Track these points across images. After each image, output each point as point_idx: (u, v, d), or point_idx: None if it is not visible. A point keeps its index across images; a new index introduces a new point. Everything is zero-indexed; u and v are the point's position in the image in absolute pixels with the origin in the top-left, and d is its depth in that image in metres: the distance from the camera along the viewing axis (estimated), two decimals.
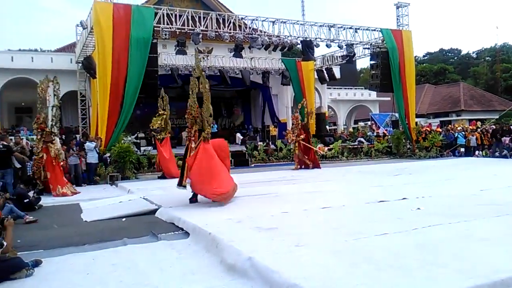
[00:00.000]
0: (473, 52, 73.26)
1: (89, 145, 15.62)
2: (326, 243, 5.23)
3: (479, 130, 24.29)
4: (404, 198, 8.58)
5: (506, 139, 21.48)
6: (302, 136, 16.94)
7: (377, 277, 3.97)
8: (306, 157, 17.17)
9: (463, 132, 24.35)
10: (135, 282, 4.64)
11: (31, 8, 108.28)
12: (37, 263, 5.21)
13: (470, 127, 26.30)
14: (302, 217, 7.11)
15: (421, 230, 5.79)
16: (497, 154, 21.06)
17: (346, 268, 4.24)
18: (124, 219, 8.38)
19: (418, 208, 7.34)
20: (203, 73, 9.23)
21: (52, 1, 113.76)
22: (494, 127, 23.81)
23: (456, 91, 46.24)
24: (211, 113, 8.93)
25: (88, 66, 19.93)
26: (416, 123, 25.04)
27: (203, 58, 24.32)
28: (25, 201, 9.99)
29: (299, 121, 17.18)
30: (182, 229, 6.94)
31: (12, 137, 15.94)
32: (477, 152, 22.62)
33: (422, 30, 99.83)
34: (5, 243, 5.05)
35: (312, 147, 17.56)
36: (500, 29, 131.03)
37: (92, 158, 15.61)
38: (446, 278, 3.90)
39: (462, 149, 23.41)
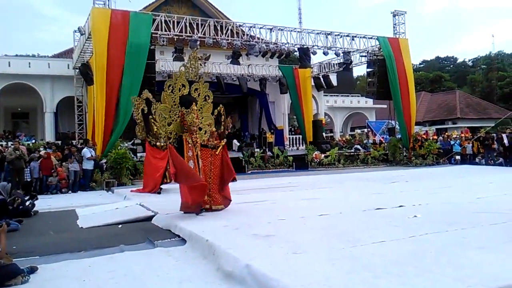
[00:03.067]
0: (469, 60, 73.75)
1: (85, 152, 15.60)
2: (324, 251, 5.21)
3: (474, 138, 24.34)
4: (401, 206, 8.57)
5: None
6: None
7: (375, 285, 3.96)
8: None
9: (459, 140, 24.42)
10: None
11: (28, 14, 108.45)
12: (32, 270, 5.17)
13: (462, 134, 26.39)
14: (300, 224, 7.10)
15: (418, 237, 5.78)
16: (489, 161, 21.22)
17: (344, 276, 4.23)
18: (120, 226, 8.36)
19: (415, 216, 7.34)
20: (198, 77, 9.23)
21: (49, 7, 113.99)
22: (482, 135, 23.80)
23: (452, 99, 46.40)
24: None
25: (85, 72, 19.93)
26: None
27: (200, 65, 24.34)
28: (21, 207, 9.98)
29: (214, 129, 16.94)
30: (179, 236, 6.91)
31: (9, 142, 15.94)
32: (477, 159, 22.60)
33: (418, 38, 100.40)
34: None
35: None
36: (496, 37, 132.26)
37: (88, 164, 15.60)
38: (444, 286, 3.89)
39: (458, 157, 23.47)
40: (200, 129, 9.09)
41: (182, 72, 8.91)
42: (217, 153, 8.97)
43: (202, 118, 9.17)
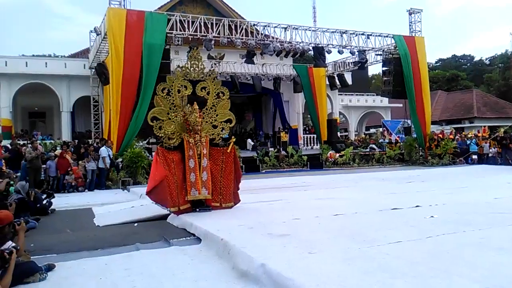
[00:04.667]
0: (486, 59, 72.64)
1: (102, 150, 15.74)
2: (339, 251, 5.18)
3: (491, 138, 24.04)
4: (417, 206, 8.49)
5: None
6: None
7: (391, 285, 3.93)
8: None
9: (475, 140, 24.13)
10: (148, 287, 4.66)
11: (44, 14, 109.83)
12: (50, 268, 5.24)
13: (479, 134, 26.05)
14: (314, 224, 7.06)
15: (435, 238, 5.72)
16: (507, 161, 20.93)
17: (360, 276, 4.20)
18: (136, 224, 8.42)
19: (432, 216, 7.26)
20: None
21: (65, 7, 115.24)
22: (500, 134, 23.50)
23: (469, 97, 45.79)
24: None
25: (101, 72, 20.10)
26: None
27: (215, 64, 24.47)
28: (38, 205, 10.11)
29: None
30: (194, 235, 6.94)
31: (25, 141, 16.11)
32: (490, 154, 22.29)
33: (434, 36, 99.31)
34: (18, 247, 5.08)
35: None
36: None
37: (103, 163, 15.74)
38: (461, 287, 3.85)
39: (475, 157, 23.17)
40: (215, 126, 9.08)
41: (179, 73, 8.92)
42: (228, 151, 8.98)
43: (217, 115, 9.14)
